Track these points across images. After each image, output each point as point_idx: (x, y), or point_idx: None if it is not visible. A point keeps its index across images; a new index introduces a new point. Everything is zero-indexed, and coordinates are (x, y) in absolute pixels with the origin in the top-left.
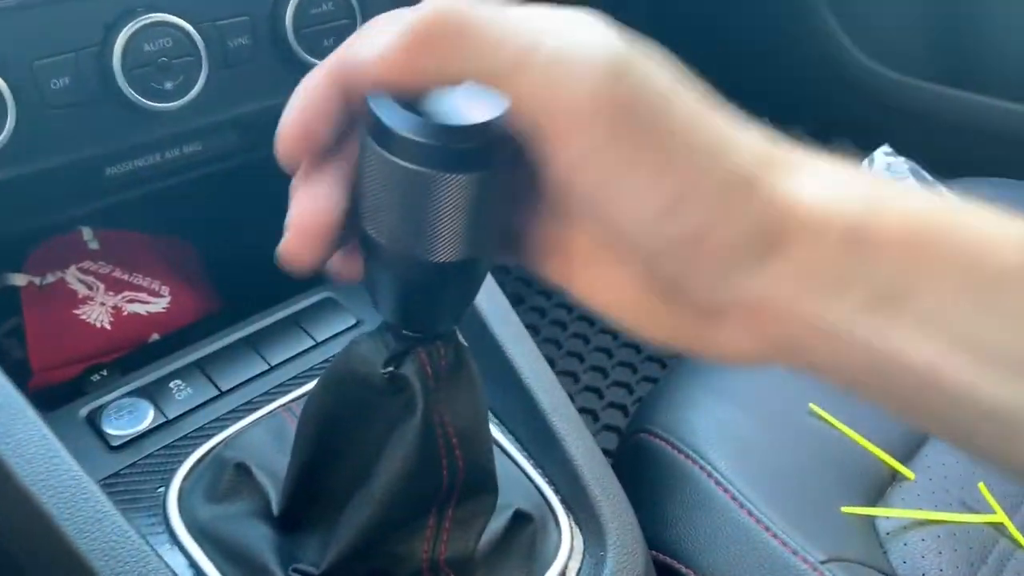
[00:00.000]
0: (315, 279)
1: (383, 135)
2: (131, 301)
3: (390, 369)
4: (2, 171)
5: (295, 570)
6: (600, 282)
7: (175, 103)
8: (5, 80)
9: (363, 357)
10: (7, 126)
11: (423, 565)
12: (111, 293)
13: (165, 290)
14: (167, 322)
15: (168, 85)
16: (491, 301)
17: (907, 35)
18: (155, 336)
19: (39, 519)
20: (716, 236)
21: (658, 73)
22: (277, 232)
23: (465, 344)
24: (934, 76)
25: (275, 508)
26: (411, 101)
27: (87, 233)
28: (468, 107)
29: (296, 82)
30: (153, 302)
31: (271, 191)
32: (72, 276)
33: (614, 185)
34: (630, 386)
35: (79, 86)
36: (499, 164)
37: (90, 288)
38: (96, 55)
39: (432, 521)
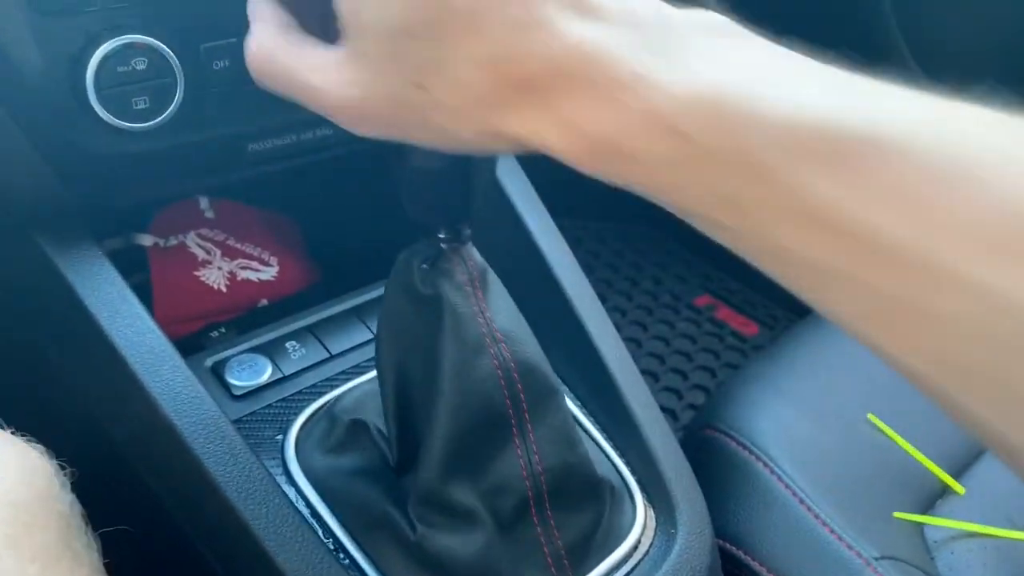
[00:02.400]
0: None
1: None
2: (244, 268)
3: (425, 266)
4: (165, 140)
5: (410, 506)
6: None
7: None
8: (179, 59)
9: (404, 262)
10: (176, 99)
11: (526, 484)
12: (227, 259)
13: (274, 260)
14: (275, 290)
15: None
16: (581, 296)
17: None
18: (264, 302)
19: (181, 451)
20: None
21: None
22: (376, 216)
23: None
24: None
25: (391, 460)
26: None
27: (204, 202)
28: None
29: None
30: (263, 270)
31: (370, 174)
32: (192, 241)
33: None
34: (680, 392)
35: (236, 69)
36: None
37: (208, 253)
38: None
39: (515, 430)
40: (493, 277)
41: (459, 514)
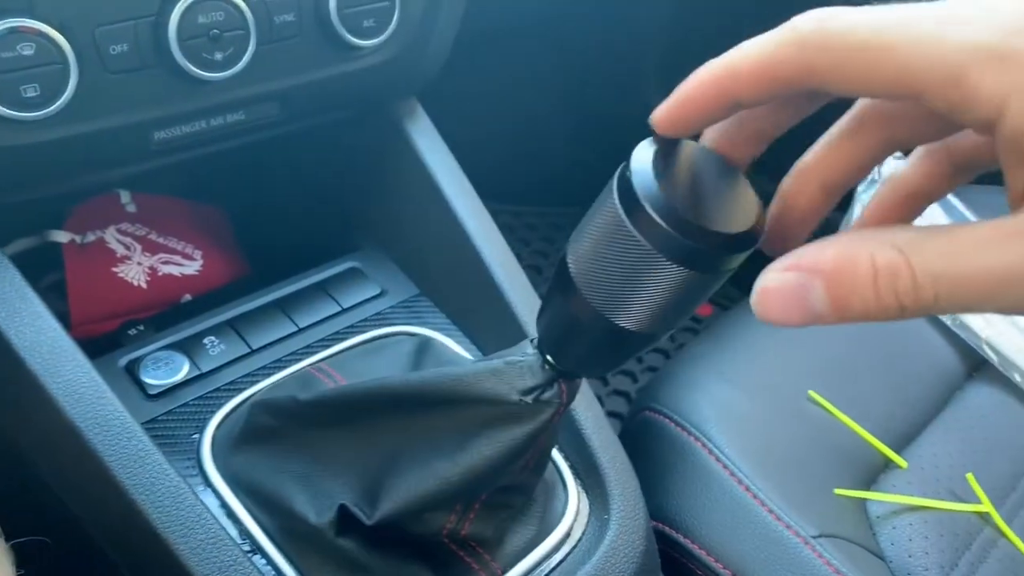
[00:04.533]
0: (340, 248)
1: (631, 201)
2: (166, 262)
3: (532, 396)
4: (61, 129)
5: (343, 506)
6: None
7: (224, 73)
8: (70, 43)
9: (509, 377)
10: (69, 86)
11: (443, 534)
12: (147, 254)
13: (198, 254)
14: (199, 284)
15: (218, 56)
16: (511, 280)
17: None
18: (187, 297)
19: (86, 455)
20: None
21: None
22: (306, 203)
23: None
24: None
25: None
26: (669, 174)
27: (125, 196)
28: (719, 204)
29: (338, 59)
30: (186, 264)
31: (303, 163)
32: (111, 236)
33: None
34: (634, 374)
35: (136, 53)
36: (722, 271)
37: (128, 248)
38: (153, 24)
39: (460, 505)
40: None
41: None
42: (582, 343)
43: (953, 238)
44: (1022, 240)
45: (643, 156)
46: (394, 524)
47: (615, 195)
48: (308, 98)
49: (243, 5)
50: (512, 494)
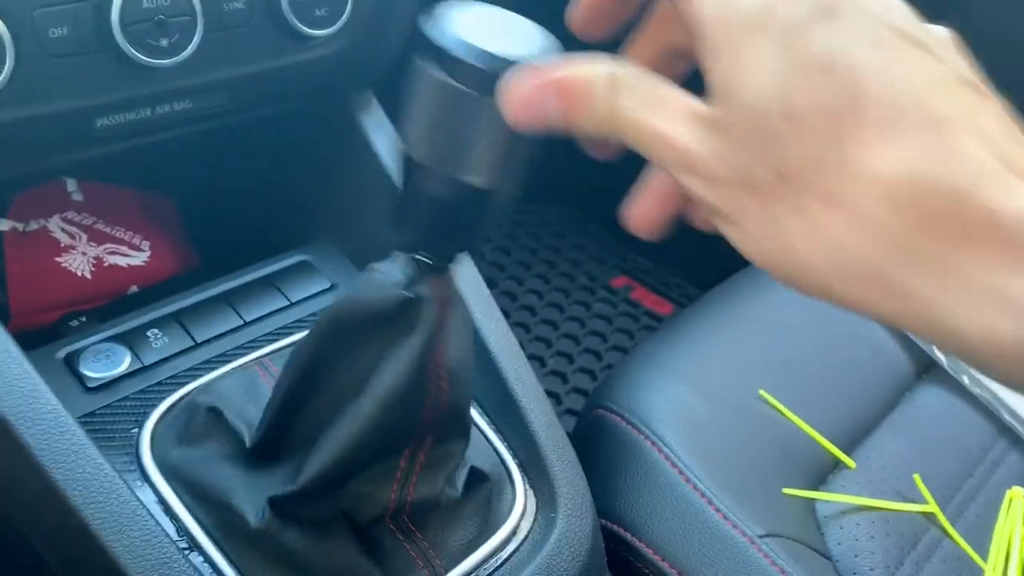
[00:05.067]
0: (291, 241)
1: (439, 55)
2: (112, 253)
3: (403, 292)
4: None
5: (271, 499)
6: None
7: (169, 60)
8: (6, 25)
9: (378, 282)
10: (5, 70)
11: (389, 506)
12: (93, 244)
13: (146, 244)
14: (146, 275)
15: (164, 42)
16: (465, 275)
17: None
18: (134, 288)
19: (17, 449)
20: None
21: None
22: (257, 195)
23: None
24: None
25: (248, 442)
26: (463, 25)
27: (71, 184)
28: (517, 40)
29: (289, 48)
30: (133, 255)
31: (254, 154)
32: (55, 225)
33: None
34: (594, 372)
35: (77, 37)
36: None
37: (72, 238)
38: (95, 8)
39: (404, 463)
40: (461, 306)
41: (321, 519)
42: (439, 219)
43: (666, 95)
44: (708, 130)
45: (430, 17)
46: (332, 500)
47: (417, 55)
48: (258, 87)
49: None
50: (449, 443)
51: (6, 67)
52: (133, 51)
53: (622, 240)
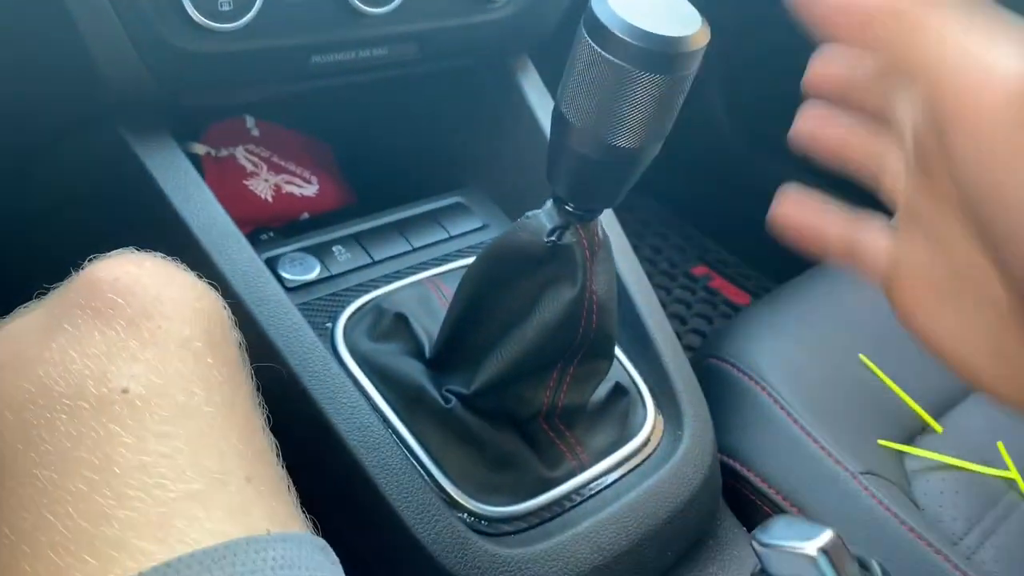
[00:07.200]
0: (442, 186)
1: (598, 31)
2: (288, 183)
3: (553, 238)
4: (243, 43)
5: (447, 390)
6: (952, 319)
7: (381, 9)
8: None
9: (531, 227)
10: (256, 4)
11: (543, 407)
12: (272, 173)
13: (314, 179)
14: (316, 205)
15: None
16: (608, 225)
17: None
18: (305, 215)
19: (246, 322)
20: None
21: None
22: (412, 142)
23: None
24: None
25: (427, 352)
26: (625, 5)
27: (250, 121)
28: (671, 20)
29: (474, 9)
30: (305, 187)
31: (412, 103)
32: (240, 154)
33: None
34: (711, 318)
35: None
36: (684, 72)
37: (255, 166)
38: None
39: (556, 374)
40: (607, 248)
41: (490, 416)
42: (588, 175)
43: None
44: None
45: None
46: (498, 400)
47: (584, 30)
48: (442, 43)
49: None
50: (596, 361)
51: (257, 3)
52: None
53: (703, 232)
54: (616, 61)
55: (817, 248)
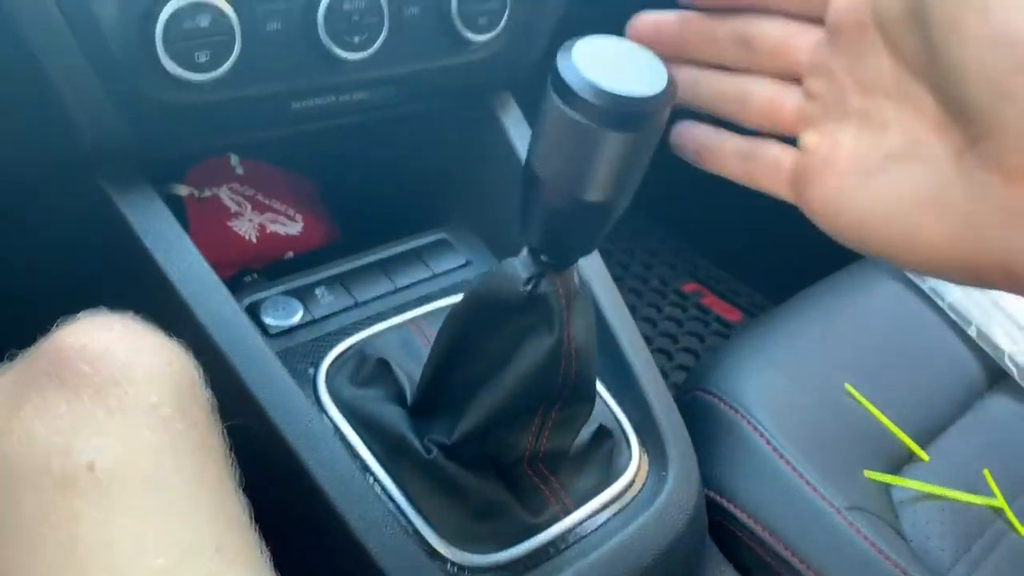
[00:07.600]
0: (425, 223)
1: (564, 91)
2: (272, 221)
3: (528, 288)
4: (221, 92)
5: (430, 439)
6: (881, 198)
7: (358, 55)
8: (238, 17)
9: (507, 275)
10: (233, 56)
11: (526, 452)
12: (256, 212)
13: (299, 216)
14: (300, 244)
15: (356, 39)
16: (592, 265)
17: None
18: (290, 254)
19: (230, 375)
20: None
21: None
22: (395, 181)
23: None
24: None
25: (409, 399)
26: (591, 64)
27: (234, 159)
28: (637, 78)
29: (452, 51)
30: (290, 225)
31: (396, 143)
32: (224, 194)
33: None
34: (665, 371)
35: (288, 31)
36: (650, 130)
37: (239, 206)
38: (304, 7)
39: (538, 420)
40: (584, 295)
41: (472, 464)
42: (560, 228)
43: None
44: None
45: (564, 56)
46: (480, 447)
47: (550, 89)
48: (422, 84)
49: None
50: (576, 406)
51: (234, 53)
52: (331, 45)
53: (694, 248)
54: (583, 121)
55: (715, 164)
